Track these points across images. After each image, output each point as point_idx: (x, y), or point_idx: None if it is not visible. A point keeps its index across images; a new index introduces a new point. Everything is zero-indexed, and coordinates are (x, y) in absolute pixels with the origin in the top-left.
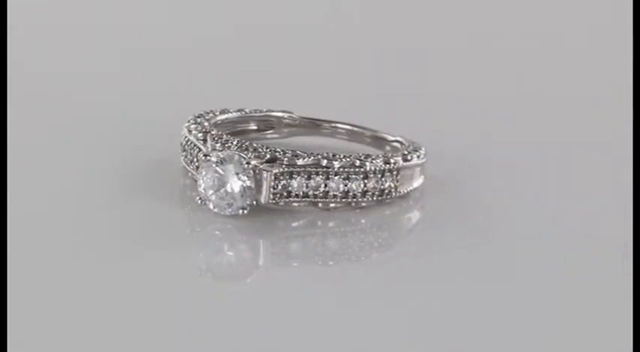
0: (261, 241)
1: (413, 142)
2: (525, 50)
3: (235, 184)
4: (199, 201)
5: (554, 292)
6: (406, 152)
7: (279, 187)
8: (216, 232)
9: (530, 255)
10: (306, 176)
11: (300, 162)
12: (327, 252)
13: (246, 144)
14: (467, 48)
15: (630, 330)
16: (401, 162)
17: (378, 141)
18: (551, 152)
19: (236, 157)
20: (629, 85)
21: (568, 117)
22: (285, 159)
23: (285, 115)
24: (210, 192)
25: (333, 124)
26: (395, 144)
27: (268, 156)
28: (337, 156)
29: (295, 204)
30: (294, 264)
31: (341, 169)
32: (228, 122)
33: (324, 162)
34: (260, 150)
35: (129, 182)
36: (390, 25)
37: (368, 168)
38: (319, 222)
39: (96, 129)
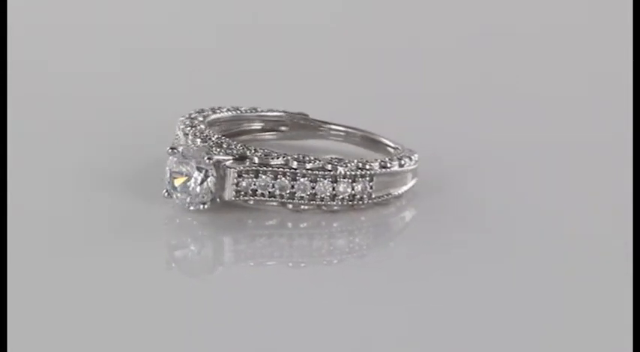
0: (225, 238)
1: (410, 150)
2: (520, 50)
3: (196, 179)
4: (165, 194)
5: (550, 294)
6: (387, 159)
7: (244, 185)
8: (182, 227)
9: (526, 257)
10: (272, 176)
11: (268, 161)
12: (294, 253)
13: (222, 140)
14: (461, 48)
15: (630, 330)
16: (377, 168)
17: (377, 145)
18: (546, 152)
19: (199, 152)
20: (629, 84)
21: (564, 117)
22: (255, 158)
23: (279, 114)
24: (176, 185)
25: (333, 127)
26: (390, 149)
27: (238, 153)
28: (309, 158)
29: (264, 203)
30: (258, 263)
31: (309, 171)
32: (225, 120)
33: (295, 164)
34: (232, 147)
35: (122, 179)
36: (385, 25)
37: (338, 172)
38: (289, 224)
39: (95, 128)
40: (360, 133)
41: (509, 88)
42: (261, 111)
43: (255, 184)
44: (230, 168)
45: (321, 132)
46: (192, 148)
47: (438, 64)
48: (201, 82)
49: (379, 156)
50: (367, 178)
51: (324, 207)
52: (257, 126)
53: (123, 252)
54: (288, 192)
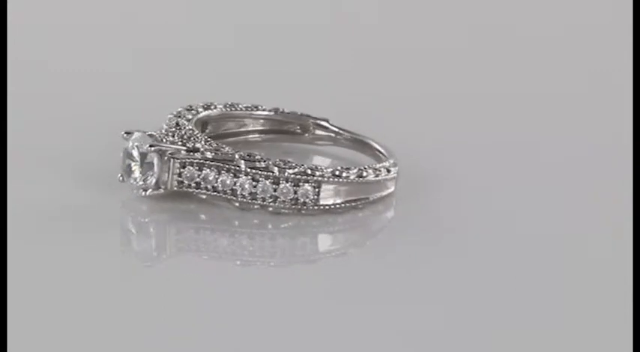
0: (167, 229)
1: (393, 163)
2: (514, 51)
3: (139, 165)
4: (120, 178)
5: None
6: (342, 167)
7: (187, 175)
8: (132, 215)
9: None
10: (216, 171)
11: (217, 157)
12: (236, 250)
13: (190, 132)
14: (454, 48)
15: (630, 332)
16: (328, 175)
17: (366, 149)
18: (529, 156)
19: (145, 139)
20: (628, 85)
21: (547, 122)
22: (208, 152)
23: (275, 114)
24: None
25: (327, 127)
26: (380, 155)
27: (192, 146)
28: (258, 158)
29: (218, 198)
30: (204, 257)
31: (252, 170)
32: (218, 117)
33: (242, 163)
34: (193, 139)
35: (107, 172)
36: (378, 25)
37: (280, 174)
38: (236, 222)
39: (94, 127)
40: (350, 135)
41: (492, 92)
42: (262, 110)
43: (199, 177)
44: (173, 157)
45: (310, 135)
46: (142, 135)
47: (430, 65)
48: (198, 81)
49: (367, 161)
50: (312, 184)
51: (271, 209)
52: (257, 126)
53: (72, 238)
54: (229, 188)
